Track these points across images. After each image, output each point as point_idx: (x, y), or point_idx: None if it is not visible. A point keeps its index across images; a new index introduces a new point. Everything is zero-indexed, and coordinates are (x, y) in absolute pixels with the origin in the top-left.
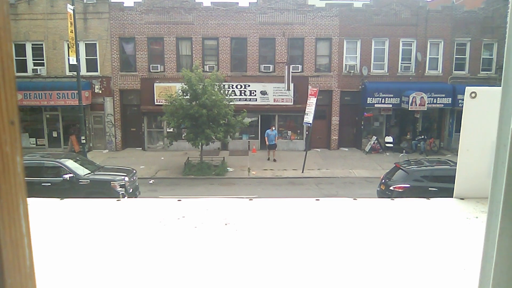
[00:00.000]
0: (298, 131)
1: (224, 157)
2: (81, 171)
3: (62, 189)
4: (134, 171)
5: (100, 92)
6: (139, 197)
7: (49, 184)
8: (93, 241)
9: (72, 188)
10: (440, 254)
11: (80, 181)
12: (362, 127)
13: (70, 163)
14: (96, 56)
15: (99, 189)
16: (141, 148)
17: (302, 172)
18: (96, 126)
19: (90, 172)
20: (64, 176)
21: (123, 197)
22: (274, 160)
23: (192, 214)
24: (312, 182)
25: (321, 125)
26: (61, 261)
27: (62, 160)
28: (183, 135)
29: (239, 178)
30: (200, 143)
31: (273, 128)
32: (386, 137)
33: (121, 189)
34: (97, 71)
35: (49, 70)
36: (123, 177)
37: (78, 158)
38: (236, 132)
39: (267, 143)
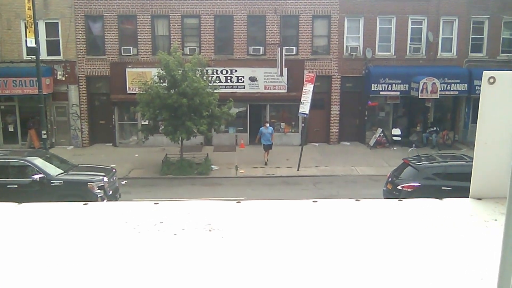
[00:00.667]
0: (293, 123)
1: (207, 154)
2: (53, 170)
3: (31, 192)
4: (114, 171)
5: (64, 79)
6: (120, 200)
7: (16, 186)
8: (51, 254)
9: (42, 191)
10: (454, 262)
11: (52, 183)
12: (365, 118)
13: (39, 162)
14: (59, 37)
15: (74, 192)
16: (111, 144)
17: (298, 170)
18: (59, 118)
19: (63, 171)
20: (33, 176)
21: (102, 200)
22: (265, 163)
23: (171, 220)
24: (309, 182)
25: (319, 116)
26: (7, 278)
27: (30, 158)
28: (160, 129)
29: (225, 177)
30: (180, 138)
31: (268, 125)
32: (393, 129)
33: (99, 191)
34: (60, 55)
35: (3, 53)
36: (101, 177)
37: (48, 155)
38: (221, 124)
39: (262, 143)
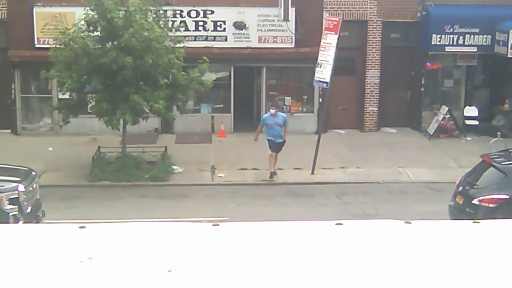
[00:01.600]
0: (305, 97)
1: (166, 147)
2: None
3: None
4: (33, 174)
5: None
6: (43, 221)
7: None
8: None
9: None
10: None
11: None
12: (422, 89)
13: None
14: None
15: None
16: (10, 131)
17: (312, 173)
18: None
19: None
20: None
21: (16, 221)
22: (273, 174)
23: (106, 254)
24: (330, 192)
25: (347, 87)
26: None
27: None
28: (90, 106)
29: (194, 185)
30: (122, 121)
31: (274, 110)
32: (467, 107)
33: (12, 207)
34: None
35: None
36: (14, 184)
37: None
38: (188, 99)
39: (267, 139)
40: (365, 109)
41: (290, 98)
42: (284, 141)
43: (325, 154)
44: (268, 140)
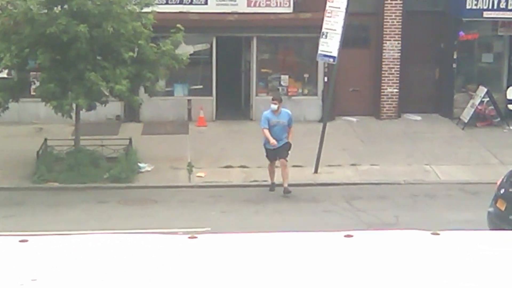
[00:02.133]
0: (306, 75)
1: (131, 139)
2: None
3: None
4: None
5: None
6: None
7: None
8: None
9: None
10: None
11: None
12: (454, 65)
13: None
14: None
15: None
16: None
17: (316, 172)
18: None
19: None
20: None
21: None
22: (274, 186)
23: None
24: (339, 195)
25: (359, 62)
26: None
27: None
28: (33, 87)
29: (166, 187)
30: (75, 107)
31: (277, 104)
32: (510, 89)
33: None
34: None
35: None
36: None
37: None
38: (159, 79)
39: (265, 145)
40: (382, 90)
41: (287, 77)
42: (289, 145)
43: (332, 147)
44: (265, 147)
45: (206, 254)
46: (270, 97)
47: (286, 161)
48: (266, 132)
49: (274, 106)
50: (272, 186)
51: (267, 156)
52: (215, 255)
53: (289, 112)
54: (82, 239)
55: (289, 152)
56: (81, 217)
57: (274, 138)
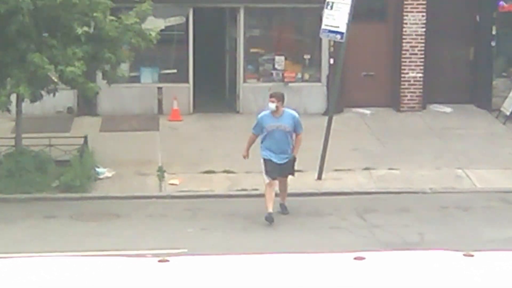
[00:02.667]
0: (306, 57)
1: (86, 138)
2: None
3: None
4: None
5: None
6: None
7: None
8: None
9: None
10: None
11: None
12: (492, 43)
13: None
14: None
15: None
16: None
17: (319, 178)
18: None
19: None
20: None
21: None
22: (271, 217)
23: None
24: (349, 207)
25: (374, 40)
26: None
27: None
28: None
29: (131, 198)
30: (15, 97)
31: (274, 102)
32: None
33: None
34: None
35: None
36: None
37: None
38: (121, 61)
39: (263, 154)
40: (403, 75)
41: (283, 59)
42: (293, 158)
43: (340, 147)
44: (264, 158)
45: (180, 281)
46: (260, 84)
47: (285, 179)
48: (250, 138)
49: (272, 106)
50: (269, 217)
51: (266, 172)
52: (191, 283)
53: (295, 114)
54: (24, 263)
55: (293, 169)
56: (23, 235)
57: (274, 149)
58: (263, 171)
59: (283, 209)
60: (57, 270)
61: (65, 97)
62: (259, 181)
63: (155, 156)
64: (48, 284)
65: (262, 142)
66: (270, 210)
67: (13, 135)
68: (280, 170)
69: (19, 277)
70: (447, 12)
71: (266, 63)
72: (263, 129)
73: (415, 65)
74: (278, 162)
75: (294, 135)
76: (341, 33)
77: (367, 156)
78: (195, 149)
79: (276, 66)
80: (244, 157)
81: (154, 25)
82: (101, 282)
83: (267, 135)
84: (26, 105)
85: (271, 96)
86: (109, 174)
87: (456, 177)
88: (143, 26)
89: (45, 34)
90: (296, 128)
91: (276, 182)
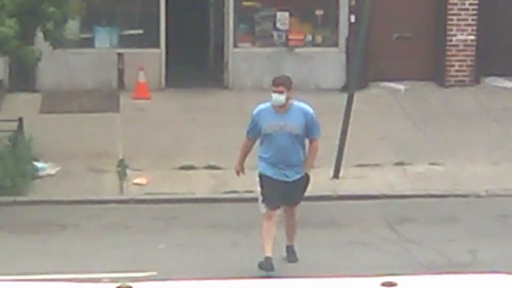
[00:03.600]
0: (319, 13)
1: (21, 120)
2: None
3: None
4: None
5: None
6: None
7: None
8: None
9: None
10: None
11: None
12: None
13: None
14: None
15: None
16: None
17: (336, 176)
18: None
19: None
20: None
21: None
22: (292, 255)
23: None
24: (375, 214)
25: None
26: None
27: None
28: None
29: (82, 202)
30: None
31: (279, 91)
32: None
33: None
34: None
35: None
36: None
37: None
38: (68, 17)
39: (262, 168)
40: (449, 38)
41: (287, 15)
42: (306, 176)
43: (364, 135)
44: (260, 174)
45: None
46: (256, 49)
47: (293, 209)
48: (244, 144)
49: (280, 98)
50: (267, 263)
51: (262, 197)
52: None
53: (308, 109)
54: None
55: (303, 193)
56: None
57: (278, 158)
58: (259, 196)
59: (291, 255)
60: None
61: None
62: (253, 179)
63: (115, 147)
64: None
65: (262, 149)
66: (269, 253)
67: None
68: (284, 194)
69: None
70: None
71: (264, 21)
72: (260, 131)
73: (466, 25)
74: (281, 179)
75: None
76: None
77: (400, 147)
78: (168, 137)
79: (277, 25)
80: (237, 172)
81: None
82: None
83: (266, 139)
84: None
85: (276, 82)
86: (52, 171)
87: None
88: None
89: None
90: (309, 130)
91: (276, 213)
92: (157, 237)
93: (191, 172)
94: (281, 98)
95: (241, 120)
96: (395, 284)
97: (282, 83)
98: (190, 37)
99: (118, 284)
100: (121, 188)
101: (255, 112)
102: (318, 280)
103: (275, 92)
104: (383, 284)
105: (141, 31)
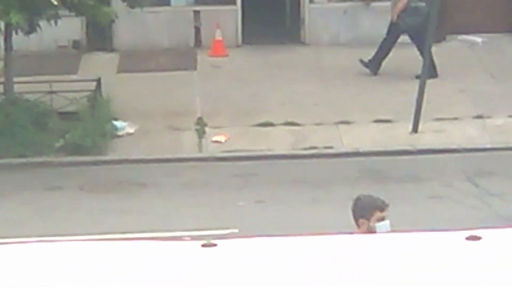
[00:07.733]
0: None
1: (99, 80)
2: None
3: None
4: None
5: None
6: None
7: None
8: None
9: None
10: None
11: None
12: None
13: None
14: None
15: None
16: None
17: (415, 130)
18: None
19: None
20: None
21: None
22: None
23: None
24: (455, 168)
25: None
26: None
27: None
28: None
29: (161, 161)
30: (3, 26)
31: (386, 218)
32: None
33: None
34: None
35: None
36: None
37: None
38: None
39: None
40: None
41: None
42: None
43: (442, 88)
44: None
45: (231, 272)
46: (333, 4)
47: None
48: None
49: (387, 224)
50: None
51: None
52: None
53: None
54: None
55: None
56: (19, 213)
57: None
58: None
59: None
60: (64, 260)
61: (70, 27)
62: (333, 135)
63: (193, 105)
64: (52, 278)
65: None
66: None
67: (2, 79)
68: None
69: (12, 270)
70: None
71: None
72: None
73: None
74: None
75: None
76: None
77: (479, 100)
78: (245, 94)
79: None
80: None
81: None
82: (124, 276)
83: None
84: (18, 38)
85: (379, 207)
86: (131, 130)
87: None
88: None
89: None
90: None
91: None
92: (236, 195)
93: (269, 128)
94: (387, 224)
95: (318, 76)
96: (479, 238)
97: (384, 205)
98: None
99: (202, 242)
100: (200, 146)
101: None
102: (400, 235)
103: (378, 218)
104: (467, 238)
105: None
